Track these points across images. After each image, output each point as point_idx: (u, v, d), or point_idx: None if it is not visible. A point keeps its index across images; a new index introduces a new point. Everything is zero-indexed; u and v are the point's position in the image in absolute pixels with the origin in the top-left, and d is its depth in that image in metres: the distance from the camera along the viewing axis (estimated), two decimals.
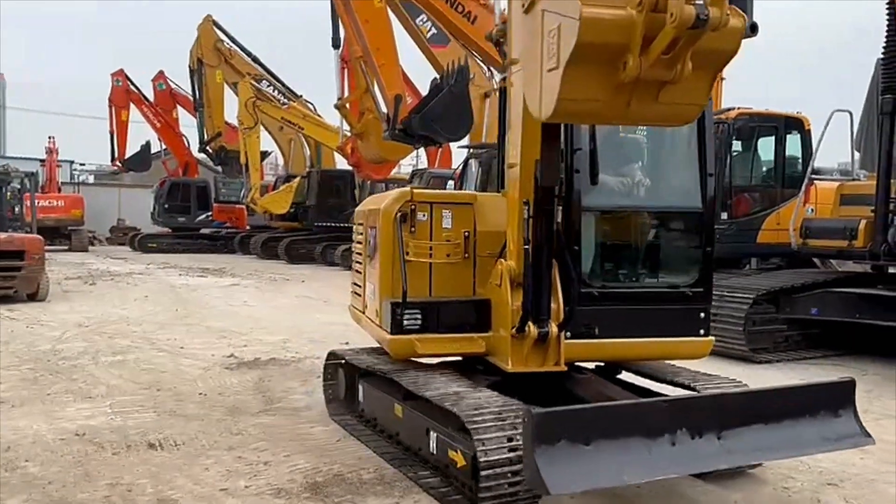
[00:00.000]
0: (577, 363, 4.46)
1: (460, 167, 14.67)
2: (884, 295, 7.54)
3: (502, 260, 4.16)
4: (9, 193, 14.76)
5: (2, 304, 10.82)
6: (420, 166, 24.49)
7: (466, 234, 4.41)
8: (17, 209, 15.70)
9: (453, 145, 17.14)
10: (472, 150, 14.13)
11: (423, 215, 4.39)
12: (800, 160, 9.82)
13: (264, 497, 3.82)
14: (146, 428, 4.97)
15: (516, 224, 3.96)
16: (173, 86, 27.46)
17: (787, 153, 9.87)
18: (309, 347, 7.92)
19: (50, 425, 5.00)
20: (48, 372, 6.63)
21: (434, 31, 14.69)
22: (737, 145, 9.86)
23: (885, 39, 7.63)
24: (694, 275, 4.42)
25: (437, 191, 5.05)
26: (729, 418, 3.40)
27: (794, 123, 9.86)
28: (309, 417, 5.31)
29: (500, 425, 3.46)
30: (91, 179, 41.33)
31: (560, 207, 4.01)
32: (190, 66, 24.12)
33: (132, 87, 27.06)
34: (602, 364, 4.78)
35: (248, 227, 26.75)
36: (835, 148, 10.24)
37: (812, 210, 8.81)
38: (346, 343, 8.21)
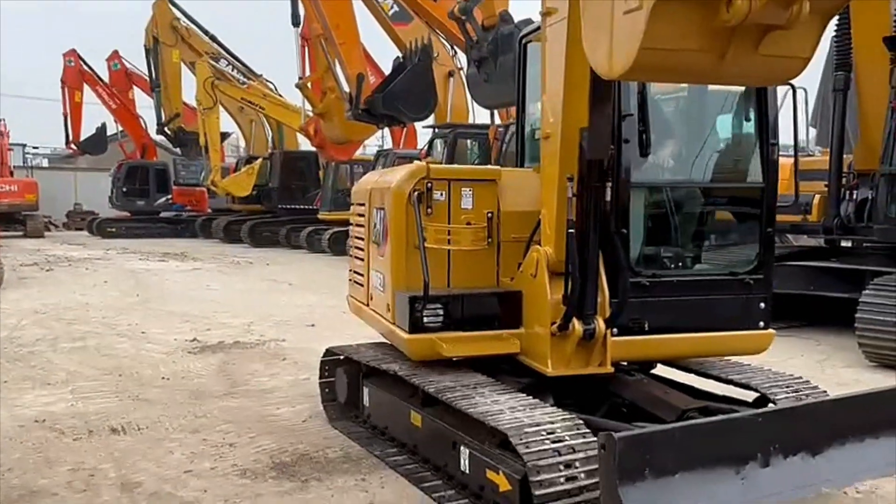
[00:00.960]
0: (622, 362, 3.88)
1: (426, 147, 14.67)
2: (836, 268, 7.78)
3: (538, 246, 3.61)
4: None
5: None
6: (386, 147, 24.32)
7: (490, 215, 3.85)
8: None
9: (418, 125, 17.06)
10: (437, 130, 14.11)
11: (441, 194, 3.81)
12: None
13: (230, 478, 3.81)
14: (108, 413, 4.91)
15: (556, 204, 3.42)
16: (128, 66, 26.76)
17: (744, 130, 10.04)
18: (274, 331, 7.88)
19: (8, 412, 4.90)
20: (4, 359, 6.48)
21: (396, 8, 14.55)
22: None
23: (837, 16, 7.79)
24: (753, 259, 3.94)
25: (455, 166, 4.15)
26: (828, 431, 2.91)
27: None
28: (274, 399, 5.29)
29: (557, 446, 2.93)
30: (45, 163, 40.13)
31: (608, 184, 3.40)
32: (145, 46, 23.46)
33: (85, 67, 26.29)
34: (636, 365, 4.12)
35: (209, 211, 26.33)
36: (791, 124, 10.45)
37: None
38: (313, 325, 8.24)
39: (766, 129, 3.89)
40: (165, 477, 3.82)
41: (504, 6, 10.13)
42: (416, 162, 4.16)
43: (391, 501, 3.55)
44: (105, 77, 26.66)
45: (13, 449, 4.21)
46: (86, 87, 26.65)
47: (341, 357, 4.74)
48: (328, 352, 4.91)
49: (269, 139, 24.44)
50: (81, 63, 26.12)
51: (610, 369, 3.59)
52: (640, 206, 3.78)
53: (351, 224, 4.85)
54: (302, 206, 20.74)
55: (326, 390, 4.87)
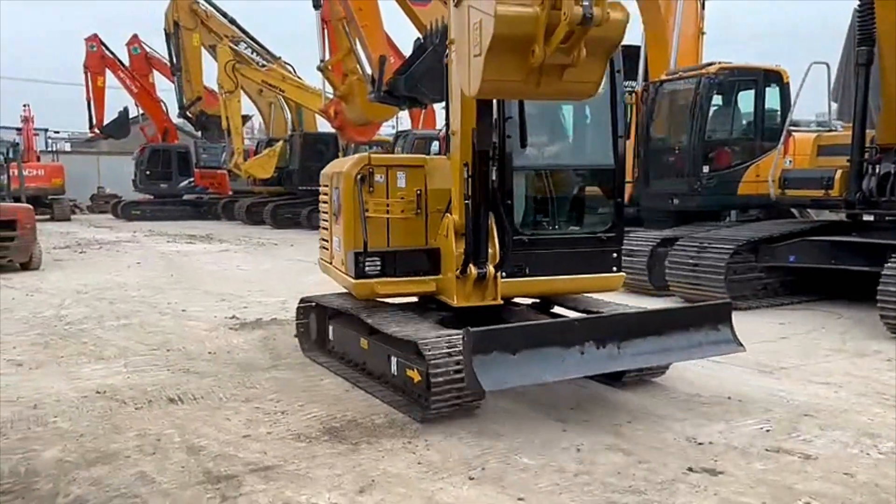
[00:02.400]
0: (512, 298, 5.23)
1: (444, 128, 14.78)
2: (858, 242, 7.88)
3: (448, 214, 4.84)
4: None
5: None
6: (401, 128, 24.45)
7: (419, 192, 5.03)
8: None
9: (437, 106, 17.16)
10: None
11: (380, 177, 5.01)
12: (779, 112, 10.08)
13: (286, 441, 4.09)
14: (163, 384, 5.21)
15: (458, 183, 4.63)
16: (148, 49, 27.00)
17: (767, 106, 10.11)
18: None
19: (70, 385, 5.22)
20: (57, 336, 6.82)
21: None
22: (717, 99, 10.08)
23: None
24: (608, 222, 5.22)
25: (392, 155, 5.64)
26: (627, 332, 4.35)
27: (773, 76, 10.07)
28: (316, 371, 5.56)
29: (448, 350, 4.23)
30: (67, 147, 40.67)
31: (495, 168, 4.61)
32: (165, 30, 23.66)
33: (107, 52, 26.55)
34: (538, 301, 5.59)
35: (230, 193, 26.68)
36: (813, 99, 10.50)
37: (790, 161, 9.10)
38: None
39: (616, 125, 5.08)
40: (226, 441, 4.11)
41: None
42: (361, 153, 5.39)
43: (437, 460, 3.81)
44: (126, 61, 26.94)
45: (81, 417, 4.52)
46: (108, 72, 26.96)
47: (313, 304, 6.08)
48: (302, 300, 6.24)
49: (289, 121, 24.65)
50: (104, 48, 26.38)
51: (499, 301, 4.81)
52: (521, 184, 5.04)
53: (319, 202, 6.01)
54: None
55: (302, 329, 6.21)
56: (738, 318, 7.52)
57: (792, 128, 9.32)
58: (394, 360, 4.78)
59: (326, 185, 5.72)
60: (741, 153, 9.99)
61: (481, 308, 4.79)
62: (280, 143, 22.30)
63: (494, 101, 4.45)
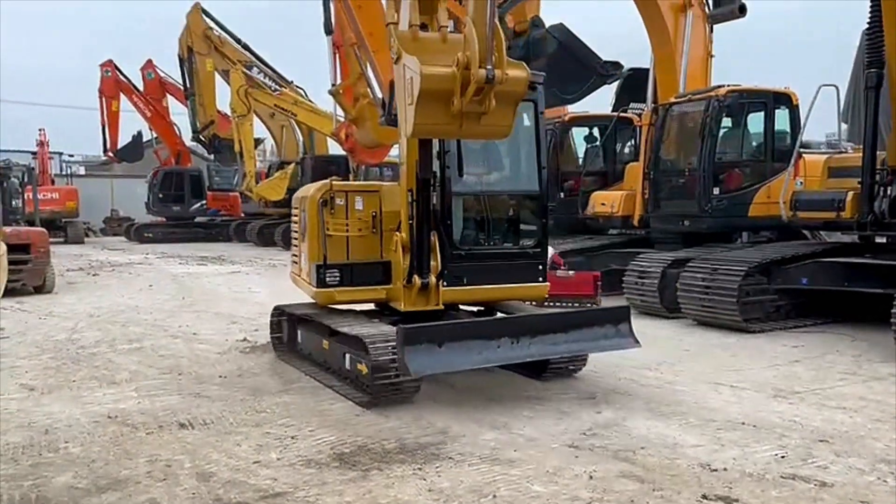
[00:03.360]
0: (455, 305, 6.02)
1: None
2: (871, 263, 7.83)
3: (397, 232, 5.65)
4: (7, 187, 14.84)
5: (10, 297, 10.99)
6: None
7: (374, 213, 5.91)
8: (14, 202, 15.80)
9: None
10: None
11: (340, 200, 5.84)
12: (788, 134, 10.08)
13: (296, 467, 4.08)
14: (174, 409, 5.22)
15: (405, 206, 5.52)
16: (162, 74, 27.39)
17: (776, 128, 10.12)
18: None
19: (81, 409, 5.24)
20: (69, 360, 6.85)
21: None
22: (727, 121, 10.10)
23: (868, 13, 7.84)
24: (534, 239, 6.06)
25: (352, 182, 6.23)
26: (538, 330, 5.24)
27: (783, 98, 10.09)
28: (326, 395, 5.55)
29: (387, 344, 5.02)
30: (81, 171, 41.14)
31: (436, 193, 5.47)
32: (179, 55, 24.03)
33: (122, 76, 26.97)
34: (482, 308, 6.32)
35: (242, 215, 26.86)
36: (822, 121, 10.52)
37: (801, 183, 9.08)
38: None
39: (540, 158, 5.92)
40: (237, 467, 4.10)
41: (535, 12, 10.32)
42: (324, 181, 6.07)
43: (447, 487, 3.78)
44: (139, 86, 27.32)
45: (93, 442, 4.53)
46: (121, 96, 27.34)
47: (285, 312, 6.85)
48: (275, 308, 7.01)
49: (300, 144, 24.86)
50: (118, 73, 26.80)
51: (440, 306, 5.61)
52: (459, 207, 5.84)
53: (291, 222, 6.79)
54: None
55: (276, 334, 6.98)
56: (750, 341, 7.57)
57: (802, 149, 9.31)
58: (347, 356, 5.53)
59: (297, 208, 6.47)
60: (751, 175, 9.98)
61: (426, 312, 5.57)
62: (292, 165, 22.48)
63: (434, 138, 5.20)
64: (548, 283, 6.07)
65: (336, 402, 5.35)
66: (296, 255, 6.65)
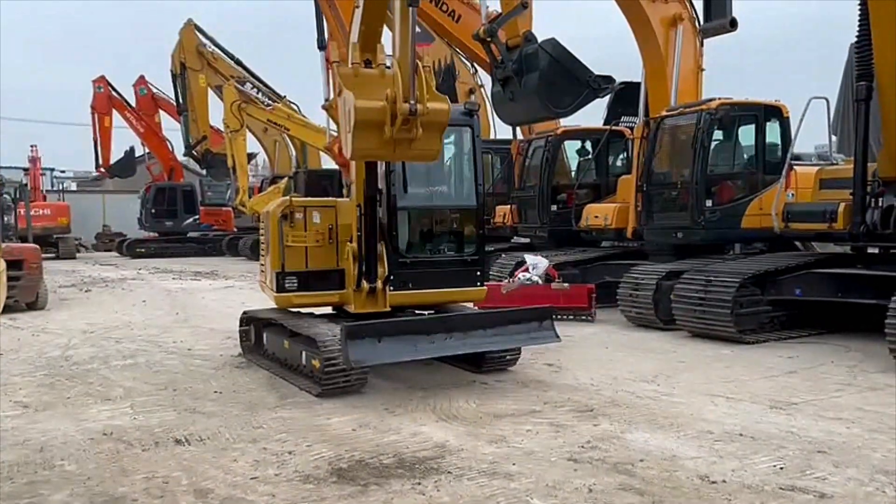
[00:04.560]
0: (403, 308, 6.59)
1: None
2: (863, 274, 7.88)
3: (349, 242, 6.30)
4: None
5: (2, 314, 10.89)
6: None
7: (330, 226, 6.47)
8: (6, 219, 15.74)
9: None
10: None
11: (300, 215, 6.41)
12: (779, 146, 10.16)
13: (294, 483, 4.05)
14: (170, 425, 5.18)
15: (354, 219, 6.14)
16: (154, 90, 27.44)
17: (767, 140, 10.20)
18: None
19: (76, 426, 5.19)
20: (63, 377, 6.80)
21: (418, 29, 14.84)
22: (718, 134, 10.17)
23: (857, 26, 7.94)
24: (473, 248, 6.71)
25: (309, 198, 6.72)
26: (469, 326, 5.98)
27: (773, 111, 10.18)
28: (323, 410, 5.54)
29: (336, 341, 5.66)
30: (73, 186, 41.04)
31: (382, 207, 6.12)
32: (172, 71, 24.09)
33: (114, 92, 26.99)
34: (433, 312, 6.77)
35: (235, 230, 26.82)
36: (812, 133, 10.62)
37: (793, 195, 9.14)
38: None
39: (477, 175, 6.65)
40: (234, 483, 4.07)
41: (528, 27, 10.36)
42: (284, 198, 6.76)
43: (447, 502, 3.76)
44: (132, 101, 27.34)
45: (88, 460, 4.49)
46: (114, 112, 27.34)
47: (252, 317, 7.53)
48: (244, 314, 7.68)
49: (293, 159, 24.89)
50: (110, 89, 26.82)
51: (388, 309, 6.28)
52: (405, 220, 6.51)
53: (259, 235, 7.53)
54: None
55: (244, 337, 7.62)
56: (745, 352, 7.60)
57: (794, 161, 9.39)
58: (304, 353, 6.17)
59: (262, 221, 7.13)
60: (743, 187, 10.05)
61: (376, 314, 6.16)
62: (285, 180, 22.46)
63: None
64: (485, 288, 6.76)
65: (333, 417, 5.33)
66: (263, 265, 7.31)
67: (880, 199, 7.78)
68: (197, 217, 27.33)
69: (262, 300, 12.92)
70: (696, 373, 6.79)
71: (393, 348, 5.58)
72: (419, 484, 4.01)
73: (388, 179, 6.22)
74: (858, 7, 7.87)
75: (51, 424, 5.24)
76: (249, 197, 22.20)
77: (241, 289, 14.72)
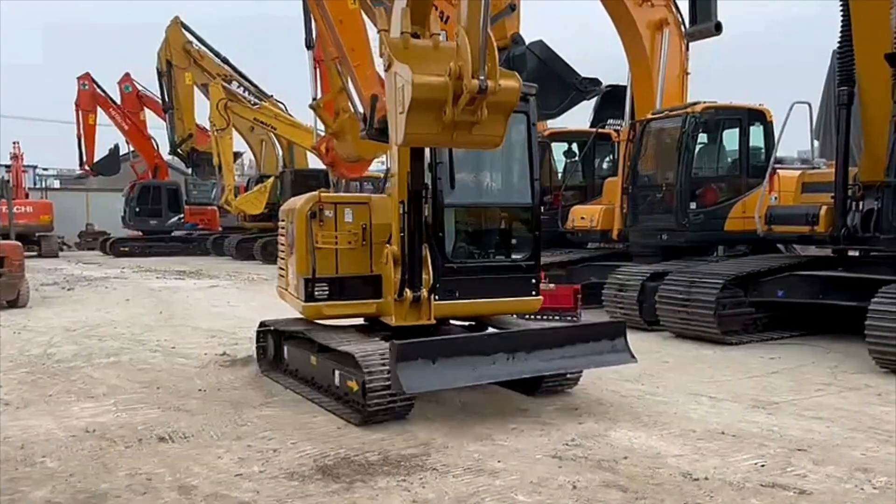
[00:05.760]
0: (446, 319, 5.89)
1: None
2: (844, 277, 7.98)
3: (388, 245, 5.49)
4: None
5: None
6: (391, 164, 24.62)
7: (364, 226, 5.70)
8: None
9: None
10: None
11: (329, 212, 5.65)
12: (763, 150, 10.28)
13: (279, 480, 4.04)
14: (153, 423, 5.15)
15: (396, 218, 5.35)
16: (140, 88, 27.26)
17: (751, 144, 10.32)
18: None
19: (58, 424, 5.15)
20: (45, 375, 6.74)
21: None
22: (703, 137, 10.27)
23: (839, 32, 8.05)
24: (527, 252, 5.92)
25: (341, 194, 6.13)
26: (534, 345, 5.08)
27: (757, 115, 10.30)
28: (308, 408, 5.52)
29: (381, 360, 4.87)
30: (56, 184, 40.63)
31: (427, 205, 5.33)
32: (158, 69, 23.96)
33: (99, 90, 26.77)
34: (473, 323, 6.19)
35: (220, 229, 26.68)
36: (795, 137, 10.75)
37: (776, 198, 9.26)
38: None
39: (533, 170, 5.84)
40: (218, 480, 4.05)
41: (515, 28, 10.43)
42: (312, 192, 5.87)
43: (432, 499, 3.77)
44: (117, 99, 27.14)
45: (70, 457, 4.45)
46: (98, 109, 27.13)
47: (270, 328, 6.65)
48: (260, 324, 6.85)
49: (280, 158, 24.82)
50: (95, 86, 26.60)
51: (433, 321, 5.46)
52: (451, 219, 5.73)
53: (278, 235, 6.58)
54: None
55: (261, 351, 6.82)
56: (728, 353, 7.67)
57: (777, 165, 9.50)
58: (337, 373, 5.37)
59: (284, 220, 6.31)
60: (727, 190, 10.15)
61: (418, 327, 5.40)
62: (271, 179, 22.41)
63: (426, 148, 5.12)
64: (541, 297, 5.96)
65: (318, 415, 5.32)
66: (282, 269, 6.46)
67: (861, 203, 7.88)
68: (181, 216, 27.18)
69: (246, 298, 12.94)
70: (680, 373, 6.85)
71: (449, 372, 4.71)
72: (404, 481, 4.01)
73: (433, 172, 5.39)
74: (840, 13, 7.99)
75: (32, 421, 5.20)
76: (235, 196, 22.10)
77: (226, 288, 14.65)
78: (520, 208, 6.02)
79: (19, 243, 12.15)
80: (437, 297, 5.43)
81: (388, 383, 4.78)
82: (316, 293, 5.62)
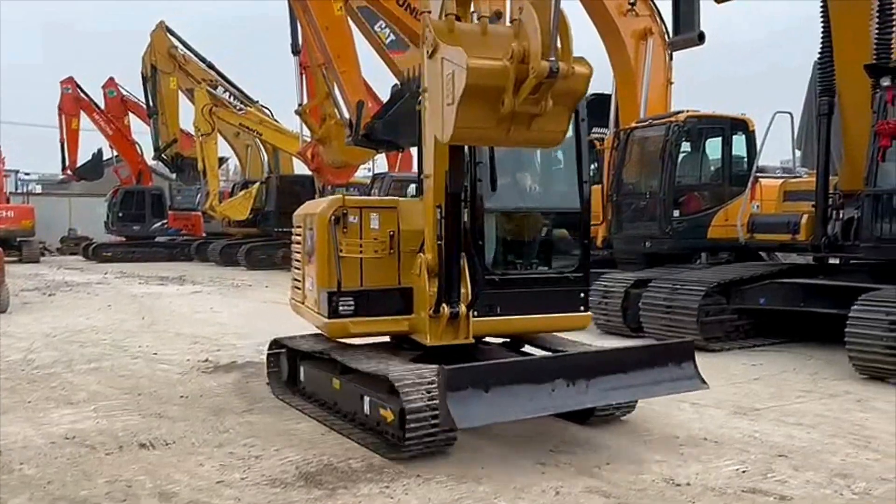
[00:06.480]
0: (483, 337, 5.26)
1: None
2: (825, 284, 8.07)
3: (421, 254, 4.85)
4: None
5: None
6: (377, 171, 24.68)
7: (392, 233, 5.07)
8: None
9: (413, 149, 17.38)
10: None
11: (354, 218, 5.04)
12: (745, 159, 10.39)
13: (261, 487, 4.02)
14: (134, 430, 5.10)
15: (431, 224, 4.71)
16: (124, 92, 27.07)
17: (734, 153, 10.42)
18: None
19: (37, 430, 5.08)
20: (24, 381, 6.65)
21: (393, 37, 14.90)
22: (686, 146, 10.36)
23: (820, 44, 8.18)
24: (575, 262, 5.34)
25: (366, 197, 5.74)
26: (595, 370, 4.38)
27: (740, 124, 10.41)
28: (292, 415, 5.48)
29: (422, 387, 4.27)
30: (38, 189, 40.20)
31: (466, 210, 4.73)
32: (142, 73, 23.82)
33: (82, 94, 26.56)
34: (507, 340, 5.60)
35: (204, 235, 26.52)
36: (777, 146, 10.86)
37: (758, 206, 9.35)
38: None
39: (581, 172, 5.27)
40: (199, 487, 4.02)
41: None
42: (335, 195, 5.39)
43: None
44: (101, 103, 26.93)
45: (49, 464, 4.40)
46: (81, 114, 26.90)
47: (283, 346, 6.06)
48: (273, 342, 6.25)
49: (265, 163, 24.74)
50: (79, 90, 26.39)
51: (471, 340, 4.86)
52: (492, 225, 5.15)
53: (292, 243, 5.97)
54: None
55: (273, 371, 6.24)
56: (710, 359, 7.71)
57: (759, 174, 9.60)
58: (366, 399, 4.75)
59: (300, 227, 5.69)
60: (710, 198, 10.23)
61: (453, 347, 4.82)
62: (256, 185, 22.33)
63: (465, 146, 4.58)
64: (590, 314, 5.43)
65: (302, 422, 5.29)
66: (297, 281, 5.81)
67: (841, 212, 8.00)
68: (165, 221, 26.98)
69: (229, 304, 12.86)
70: None
71: (503, 402, 4.02)
72: (388, 488, 4.00)
73: (472, 173, 4.79)
74: (821, 25, 8.11)
75: (11, 428, 5.12)
76: (220, 201, 21.99)
77: (210, 294, 14.55)
78: (567, 214, 5.43)
79: None
80: (475, 314, 4.82)
81: (429, 413, 4.19)
82: (341, 308, 4.98)
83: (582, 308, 5.29)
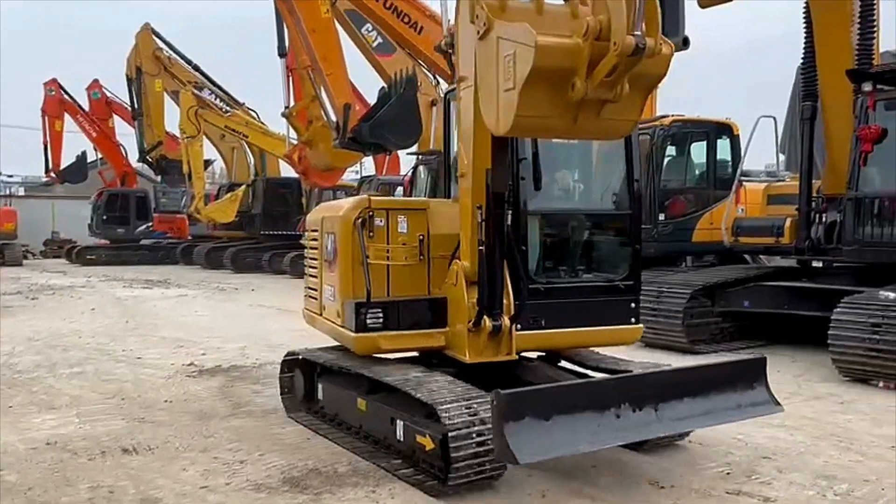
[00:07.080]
0: (525, 352, 4.79)
1: (409, 173, 14.97)
2: (809, 287, 8.14)
3: (457, 260, 4.41)
4: None
5: None
6: (364, 174, 24.63)
7: (421, 237, 4.63)
8: None
9: (401, 152, 17.38)
10: (420, 157, 14.43)
11: (381, 221, 4.60)
12: (730, 163, 10.48)
13: (245, 492, 3.99)
14: (117, 434, 5.05)
15: (470, 227, 4.22)
16: (108, 94, 26.85)
17: (718, 157, 10.51)
18: (269, 354, 8.00)
19: (18, 436, 5.01)
20: (6, 385, 6.57)
21: (380, 40, 14.92)
22: (671, 150, 10.45)
23: (803, 49, 8.26)
24: (625, 269, 4.89)
25: (393, 198, 5.21)
26: (664, 393, 3.87)
27: (724, 129, 10.51)
28: (277, 419, 5.46)
29: (469, 414, 3.79)
30: (21, 191, 39.76)
31: (509, 212, 4.22)
32: (127, 75, 23.64)
33: (66, 96, 26.31)
34: (544, 353, 5.15)
35: (189, 237, 26.35)
36: (761, 151, 10.97)
37: (742, 210, 9.43)
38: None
39: (632, 170, 4.82)
40: (183, 492, 3.98)
41: None
42: (360, 196, 4.92)
43: None
44: (85, 105, 26.70)
45: (30, 470, 4.34)
46: (66, 116, 26.66)
47: (299, 358, 5.54)
48: (288, 354, 5.68)
49: (251, 166, 24.61)
50: (62, 92, 26.14)
51: (515, 357, 4.42)
52: (535, 229, 4.69)
53: (305, 247, 5.61)
54: (284, 232, 20.94)
55: (286, 387, 5.67)
56: (696, 361, 7.73)
57: (743, 178, 9.69)
58: (399, 423, 4.24)
59: (315, 231, 5.27)
60: (695, 202, 10.32)
61: (492, 364, 4.38)
62: (242, 187, 22.23)
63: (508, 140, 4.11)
64: (641, 326, 4.95)
65: (287, 426, 5.26)
66: (313, 290, 5.37)
67: (824, 215, 8.08)
68: (150, 224, 26.76)
69: (214, 308, 12.78)
70: None
71: (567, 433, 3.47)
72: (373, 492, 3.98)
73: (515, 171, 4.35)
74: (804, 31, 8.20)
75: None
76: (205, 204, 21.86)
77: (195, 297, 14.45)
78: (617, 217, 4.98)
79: None
80: (518, 327, 4.37)
81: (477, 440, 3.72)
82: (369, 321, 4.48)
83: (633, 320, 4.83)
